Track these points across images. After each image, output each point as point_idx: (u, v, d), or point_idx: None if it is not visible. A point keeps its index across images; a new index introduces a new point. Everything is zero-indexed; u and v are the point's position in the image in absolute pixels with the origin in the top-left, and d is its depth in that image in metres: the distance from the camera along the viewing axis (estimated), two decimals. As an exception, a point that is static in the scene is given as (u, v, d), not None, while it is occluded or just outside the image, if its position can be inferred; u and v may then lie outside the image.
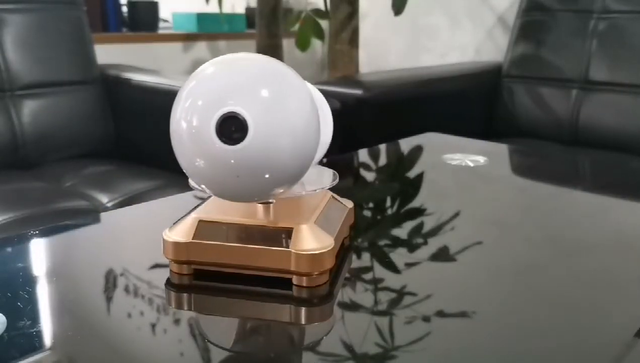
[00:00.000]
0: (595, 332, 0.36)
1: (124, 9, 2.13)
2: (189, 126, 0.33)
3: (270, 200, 0.43)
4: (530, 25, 1.64)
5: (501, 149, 0.90)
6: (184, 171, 0.36)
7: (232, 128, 0.32)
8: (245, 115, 0.32)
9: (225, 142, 0.33)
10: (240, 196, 0.36)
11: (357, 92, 1.38)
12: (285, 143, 0.33)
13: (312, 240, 0.39)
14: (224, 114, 0.32)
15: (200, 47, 2.15)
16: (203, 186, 0.36)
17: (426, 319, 0.37)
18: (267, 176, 0.34)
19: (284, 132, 0.33)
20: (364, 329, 0.36)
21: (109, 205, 1.13)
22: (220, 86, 0.33)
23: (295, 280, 0.39)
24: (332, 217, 0.44)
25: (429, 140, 0.91)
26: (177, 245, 0.40)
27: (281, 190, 0.37)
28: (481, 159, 0.76)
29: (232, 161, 0.33)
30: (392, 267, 0.46)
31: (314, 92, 0.44)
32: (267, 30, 1.96)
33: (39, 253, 0.49)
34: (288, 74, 0.35)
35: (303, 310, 0.38)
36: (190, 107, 0.33)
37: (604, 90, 1.50)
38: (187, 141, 0.34)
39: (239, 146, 0.33)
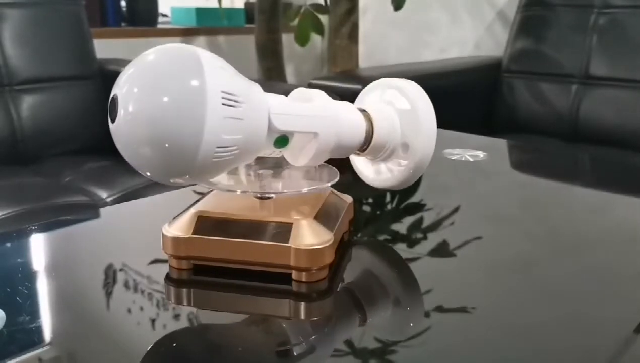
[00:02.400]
0: (595, 328, 0.36)
1: (123, 3, 2.12)
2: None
3: (269, 196, 0.43)
4: (530, 20, 1.64)
5: (501, 144, 0.90)
6: None
7: (115, 109, 0.36)
8: (119, 98, 0.35)
9: (110, 120, 0.37)
10: (145, 174, 0.38)
11: (357, 87, 1.37)
12: (146, 131, 0.34)
13: (312, 235, 0.39)
14: (112, 96, 0.36)
15: (200, 42, 2.15)
16: None
17: (425, 314, 0.37)
18: (138, 158, 0.36)
19: (147, 121, 0.34)
20: (363, 324, 0.36)
21: (108, 200, 1.13)
22: (125, 71, 0.37)
23: (294, 275, 0.39)
24: (332, 212, 0.44)
25: (429, 135, 0.91)
26: (176, 240, 0.40)
27: (171, 178, 0.37)
28: (481, 154, 0.76)
29: (114, 138, 0.37)
30: (391, 262, 0.46)
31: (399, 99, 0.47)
32: (266, 25, 1.96)
33: (38, 248, 0.49)
34: (191, 68, 0.35)
35: (302, 305, 0.38)
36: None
37: (604, 86, 1.50)
38: None
39: (114, 124, 0.36)
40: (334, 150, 0.43)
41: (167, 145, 0.34)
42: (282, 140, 0.41)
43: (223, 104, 0.35)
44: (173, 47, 0.37)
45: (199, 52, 0.36)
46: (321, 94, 0.43)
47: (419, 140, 0.45)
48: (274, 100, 0.41)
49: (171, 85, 0.34)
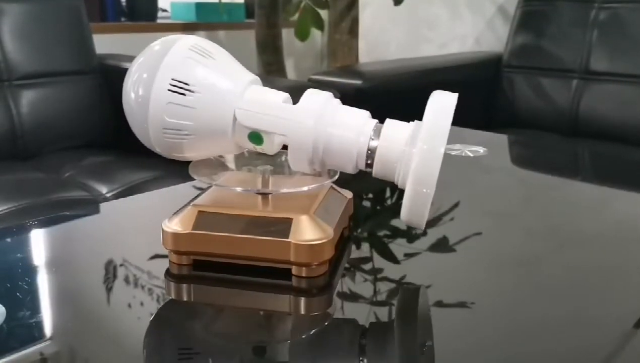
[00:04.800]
0: (595, 323, 0.36)
1: (123, -2, 2.12)
2: None
3: (268, 191, 0.42)
4: (531, 15, 1.63)
5: (501, 140, 0.90)
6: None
7: None
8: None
9: None
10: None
11: (357, 82, 1.37)
12: (125, 107, 0.41)
13: (312, 230, 0.39)
14: None
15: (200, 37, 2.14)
16: None
17: (425, 309, 0.37)
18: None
19: (124, 100, 0.41)
20: (363, 319, 0.36)
21: (108, 195, 1.13)
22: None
23: (294, 270, 0.39)
24: (332, 207, 0.44)
25: (429, 130, 0.90)
26: (176, 235, 0.40)
27: (158, 149, 0.42)
28: (481, 150, 0.76)
29: None
30: (391, 257, 0.46)
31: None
32: (266, 20, 1.95)
33: (39, 243, 0.49)
34: (157, 55, 0.40)
35: (302, 300, 0.38)
36: None
37: (604, 81, 1.50)
38: None
39: None
40: (321, 160, 0.40)
41: (130, 119, 0.41)
42: (256, 137, 0.40)
43: (169, 90, 0.39)
44: (166, 38, 0.41)
45: (178, 41, 0.41)
46: (314, 96, 0.40)
47: (415, 165, 0.37)
48: (252, 95, 0.40)
49: (138, 71, 0.40)
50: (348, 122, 0.40)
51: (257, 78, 0.42)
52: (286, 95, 0.41)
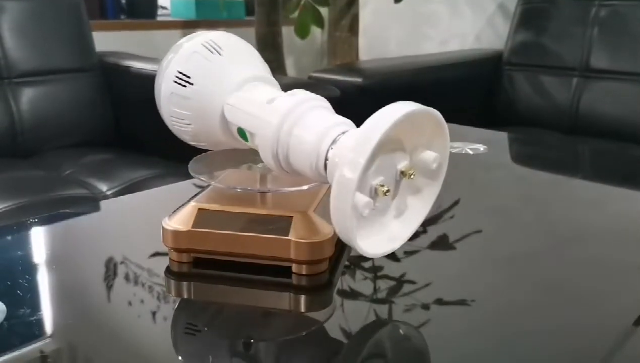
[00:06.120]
0: (594, 321, 0.36)
1: (122, -5, 2.11)
2: None
3: (267, 190, 0.42)
4: (531, 13, 1.63)
5: (501, 137, 0.90)
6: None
7: None
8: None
9: None
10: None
11: (357, 80, 1.37)
12: (157, 96, 0.44)
13: (312, 228, 0.39)
14: None
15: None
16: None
17: (425, 307, 0.37)
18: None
19: (157, 90, 0.44)
20: (363, 317, 0.36)
21: (108, 193, 1.13)
22: None
23: (294, 268, 0.39)
24: (332, 205, 0.44)
25: (429, 128, 0.90)
26: (176, 233, 0.40)
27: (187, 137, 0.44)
28: (481, 147, 0.76)
29: None
30: (391, 255, 0.46)
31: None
32: (266, 17, 1.95)
33: (39, 241, 0.49)
34: (175, 50, 0.43)
35: (302, 298, 0.38)
36: None
37: (604, 78, 1.50)
38: None
39: None
40: (287, 162, 0.38)
41: (158, 108, 0.44)
42: (242, 133, 0.41)
43: (174, 81, 0.42)
44: (194, 34, 0.44)
45: (197, 37, 0.43)
46: (289, 96, 0.39)
47: (335, 177, 0.34)
48: (244, 92, 0.41)
49: (167, 67, 0.43)
50: (314, 126, 0.37)
51: (266, 76, 0.43)
52: (270, 90, 0.42)
